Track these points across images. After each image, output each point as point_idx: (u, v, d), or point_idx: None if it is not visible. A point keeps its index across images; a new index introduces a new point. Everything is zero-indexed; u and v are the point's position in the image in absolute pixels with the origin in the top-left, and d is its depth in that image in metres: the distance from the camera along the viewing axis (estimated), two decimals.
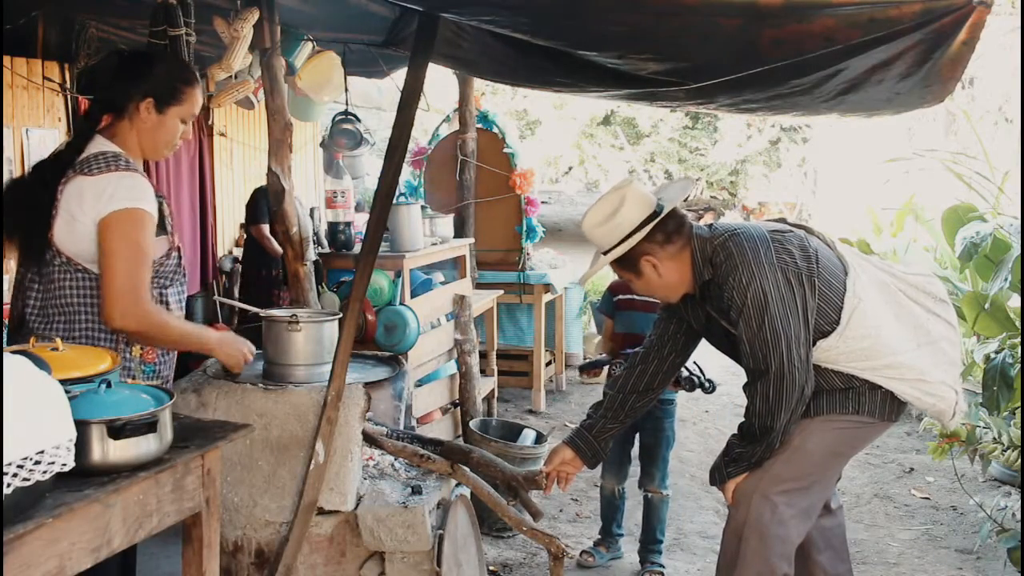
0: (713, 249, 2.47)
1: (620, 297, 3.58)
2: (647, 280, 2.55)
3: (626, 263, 2.54)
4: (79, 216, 2.20)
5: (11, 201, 2.26)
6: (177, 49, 3.38)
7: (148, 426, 1.73)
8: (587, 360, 3.44)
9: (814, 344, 2.45)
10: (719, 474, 2.59)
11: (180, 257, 2.49)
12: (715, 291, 2.49)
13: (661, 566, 3.51)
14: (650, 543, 3.56)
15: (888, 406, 2.51)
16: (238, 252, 7.32)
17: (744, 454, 2.52)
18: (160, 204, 2.33)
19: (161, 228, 2.33)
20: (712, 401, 6.13)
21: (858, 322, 2.45)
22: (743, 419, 2.54)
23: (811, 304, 2.42)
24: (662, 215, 2.47)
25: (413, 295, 4.32)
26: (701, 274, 2.49)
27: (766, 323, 2.36)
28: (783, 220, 2.65)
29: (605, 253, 2.53)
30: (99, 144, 2.27)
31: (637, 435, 3.59)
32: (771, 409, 2.42)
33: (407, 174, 6.26)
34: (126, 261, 2.18)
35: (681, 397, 3.67)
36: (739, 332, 2.43)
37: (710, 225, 2.59)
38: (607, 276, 6.19)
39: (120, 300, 2.17)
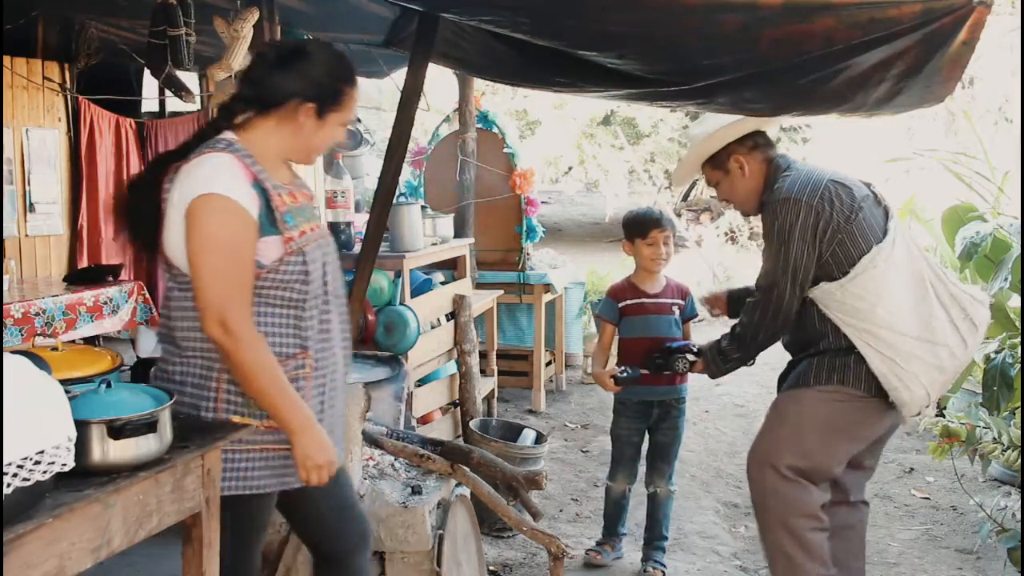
0: (777, 179, 2.73)
1: (628, 303, 3.47)
2: (731, 181, 2.83)
3: (716, 161, 2.84)
4: (171, 212, 1.93)
5: (128, 202, 2.04)
6: (177, 49, 3.39)
7: (148, 426, 1.73)
8: (624, 374, 3.29)
9: (817, 283, 2.66)
10: (715, 369, 2.92)
11: (305, 263, 2.01)
12: (763, 215, 2.75)
13: (663, 565, 3.50)
14: (655, 540, 3.54)
15: (876, 382, 2.59)
16: None
17: (729, 351, 2.85)
18: (266, 194, 1.96)
19: (271, 226, 1.96)
20: (712, 401, 6.14)
21: (862, 285, 2.59)
22: (732, 328, 2.84)
23: (826, 252, 2.63)
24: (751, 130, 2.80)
25: (413, 295, 4.32)
26: (766, 195, 2.76)
27: (780, 254, 2.63)
28: (869, 184, 2.79)
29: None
30: (224, 135, 2.00)
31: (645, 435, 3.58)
32: (749, 322, 2.74)
33: (407, 174, 6.26)
34: (200, 256, 1.88)
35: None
36: (766, 247, 2.71)
37: (789, 162, 2.81)
38: (612, 272, 6.20)
39: (219, 300, 1.87)
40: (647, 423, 3.51)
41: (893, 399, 2.60)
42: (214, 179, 1.89)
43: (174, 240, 1.93)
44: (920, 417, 2.72)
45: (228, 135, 2.00)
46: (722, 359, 2.87)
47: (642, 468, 3.64)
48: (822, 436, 2.67)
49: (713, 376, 2.98)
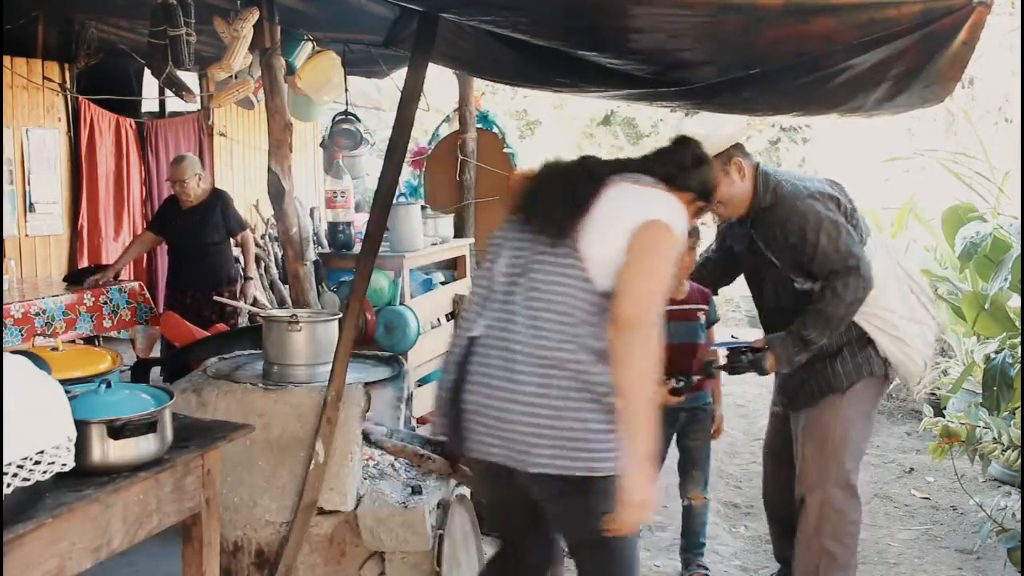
0: (776, 184, 2.84)
1: None
2: (729, 184, 2.85)
3: (722, 159, 2.83)
4: (614, 220, 2.09)
5: (548, 182, 2.22)
6: (177, 49, 3.39)
7: (148, 426, 1.73)
8: (681, 383, 3.10)
9: None
10: (788, 362, 2.84)
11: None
12: (770, 218, 2.83)
13: (706, 568, 3.48)
14: (694, 548, 3.49)
15: (886, 363, 2.90)
16: (237, 252, 7.30)
17: (812, 339, 2.79)
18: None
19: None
20: None
21: None
22: (809, 315, 2.78)
23: None
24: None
25: (413, 295, 4.32)
26: (762, 199, 2.84)
27: (843, 233, 2.74)
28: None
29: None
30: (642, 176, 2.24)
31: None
32: (848, 299, 2.73)
33: (407, 174, 6.26)
34: (650, 270, 2.05)
35: None
36: (817, 248, 2.74)
37: (775, 169, 2.96)
38: None
39: (636, 299, 2.01)
40: (674, 430, 3.42)
41: (901, 374, 2.91)
42: (676, 217, 2.14)
43: (607, 246, 2.07)
44: (919, 386, 3.05)
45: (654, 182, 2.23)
46: (801, 347, 2.82)
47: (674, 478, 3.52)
48: (863, 429, 2.92)
49: (784, 370, 2.93)
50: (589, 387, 2.03)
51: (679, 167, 2.26)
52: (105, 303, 5.15)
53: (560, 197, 2.15)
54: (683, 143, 2.33)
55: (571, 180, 2.19)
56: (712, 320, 3.43)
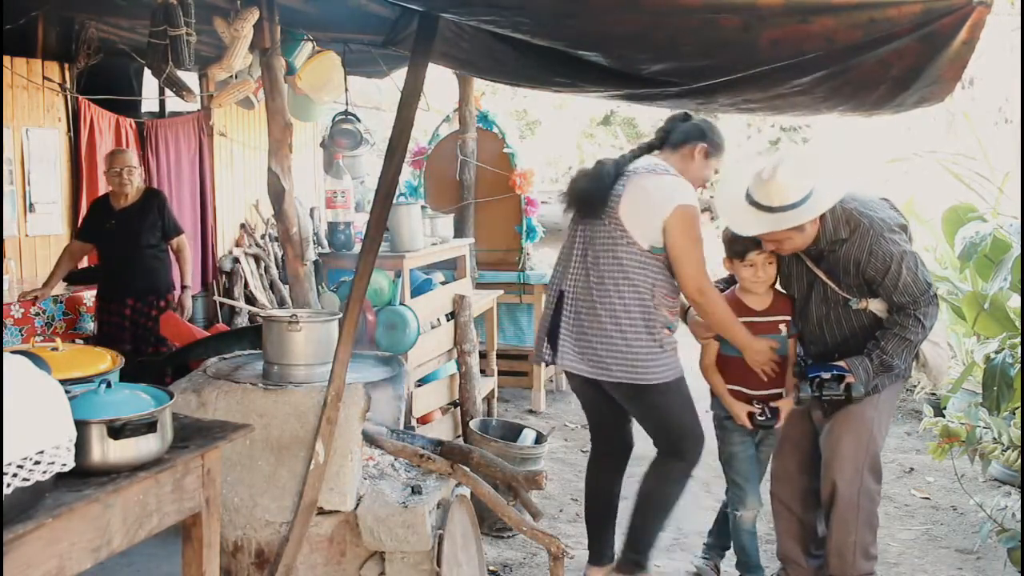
0: (847, 215, 2.86)
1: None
2: (805, 231, 2.87)
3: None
4: (647, 208, 2.93)
5: (589, 177, 3.05)
6: (177, 49, 3.38)
7: (148, 426, 1.73)
8: (763, 418, 3.14)
9: (876, 296, 2.95)
10: (866, 386, 2.89)
11: None
12: (845, 250, 2.86)
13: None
14: (752, 571, 3.37)
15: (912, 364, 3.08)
16: (238, 252, 7.30)
17: (896, 365, 2.90)
18: None
19: None
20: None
21: None
22: (893, 342, 2.86)
23: None
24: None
25: (413, 295, 4.32)
26: (835, 231, 2.88)
27: (920, 265, 2.87)
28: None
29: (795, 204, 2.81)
30: (651, 160, 3.10)
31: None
32: (928, 326, 2.88)
33: (407, 174, 6.26)
34: (691, 250, 2.91)
35: None
36: (900, 281, 2.83)
37: None
38: None
39: (695, 274, 2.92)
40: (753, 441, 3.30)
41: (934, 374, 3.12)
42: (689, 194, 2.99)
43: (644, 222, 2.94)
44: (942, 381, 3.28)
45: (664, 163, 3.08)
46: (883, 372, 2.90)
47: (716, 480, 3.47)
48: (890, 416, 3.10)
49: (859, 393, 2.89)
50: (646, 321, 2.95)
51: (669, 131, 3.15)
52: None
53: (592, 192, 3.01)
54: (671, 119, 3.18)
55: (593, 178, 3.03)
56: (795, 332, 3.18)
